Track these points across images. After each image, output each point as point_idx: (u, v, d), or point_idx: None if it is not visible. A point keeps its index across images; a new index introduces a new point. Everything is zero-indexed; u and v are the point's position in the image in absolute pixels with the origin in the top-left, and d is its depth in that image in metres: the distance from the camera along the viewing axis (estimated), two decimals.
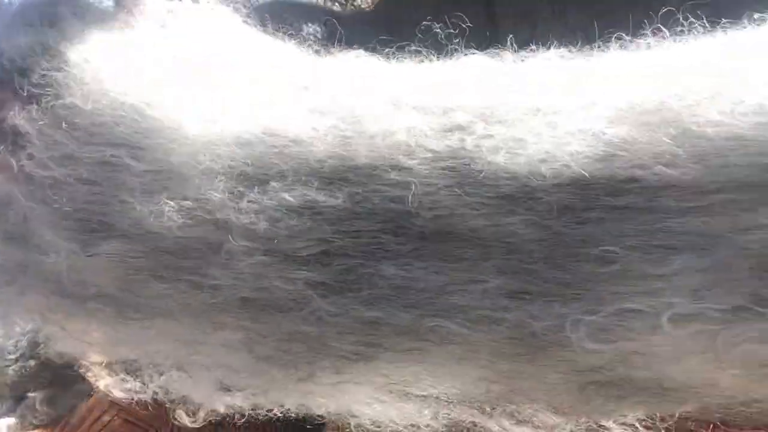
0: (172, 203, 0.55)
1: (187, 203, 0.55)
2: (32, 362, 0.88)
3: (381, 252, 0.54)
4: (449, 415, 0.60)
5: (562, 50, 0.59)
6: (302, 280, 0.54)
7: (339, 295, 0.54)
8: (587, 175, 0.50)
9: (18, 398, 0.87)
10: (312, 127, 0.56)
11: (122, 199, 0.57)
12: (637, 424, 0.57)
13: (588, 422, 0.58)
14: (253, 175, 0.56)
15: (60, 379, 0.88)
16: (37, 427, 0.84)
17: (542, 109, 0.54)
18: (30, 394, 0.86)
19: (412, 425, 0.61)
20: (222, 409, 0.64)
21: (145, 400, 0.83)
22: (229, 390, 0.63)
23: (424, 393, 0.59)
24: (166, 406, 0.67)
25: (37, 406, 0.84)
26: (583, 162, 0.50)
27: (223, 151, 0.56)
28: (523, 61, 0.60)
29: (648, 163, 0.50)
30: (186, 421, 0.66)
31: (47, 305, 0.63)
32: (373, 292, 0.53)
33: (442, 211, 0.52)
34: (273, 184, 0.55)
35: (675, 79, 0.53)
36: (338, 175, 0.55)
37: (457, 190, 0.52)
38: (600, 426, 0.58)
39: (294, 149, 0.55)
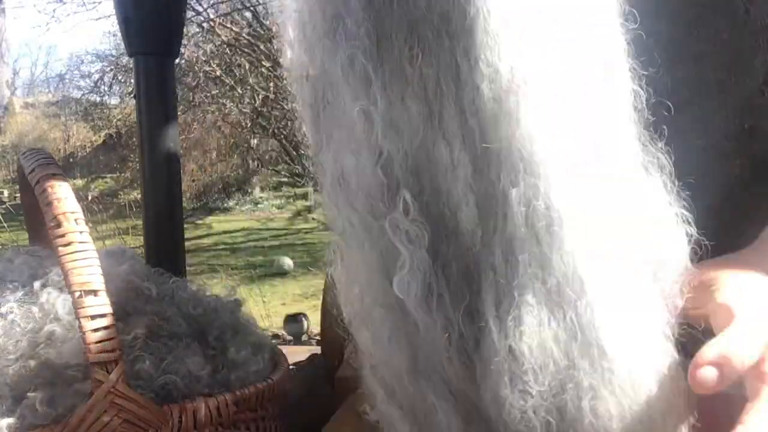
0: None
1: None
2: (32, 362, 0.88)
3: None
4: None
5: None
6: None
7: None
8: None
9: (18, 398, 0.87)
10: None
11: None
12: None
13: None
14: None
15: (60, 379, 0.87)
16: (37, 427, 0.84)
17: None
18: (30, 394, 0.86)
19: None
20: None
21: (145, 400, 0.83)
22: None
23: None
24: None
25: (37, 406, 0.84)
26: None
27: None
28: None
29: None
30: None
31: None
32: None
33: None
34: None
35: None
36: None
37: None
38: None
39: None
